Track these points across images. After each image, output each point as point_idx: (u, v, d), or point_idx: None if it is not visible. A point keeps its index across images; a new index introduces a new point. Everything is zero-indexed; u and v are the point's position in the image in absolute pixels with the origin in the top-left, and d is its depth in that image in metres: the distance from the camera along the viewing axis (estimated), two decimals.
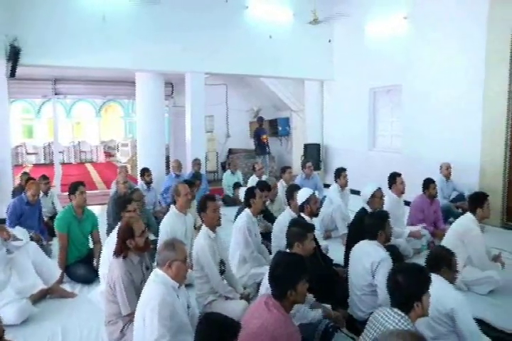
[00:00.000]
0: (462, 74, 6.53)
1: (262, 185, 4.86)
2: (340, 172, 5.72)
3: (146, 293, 2.40)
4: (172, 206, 4.25)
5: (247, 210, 3.92)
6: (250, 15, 8.21)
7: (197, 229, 5.05)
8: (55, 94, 10.13)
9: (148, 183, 6.55)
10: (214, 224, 3.28)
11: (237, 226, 3.79)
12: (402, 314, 2.01)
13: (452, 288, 2.52)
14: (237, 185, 7.44)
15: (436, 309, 2.36)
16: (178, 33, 7.38)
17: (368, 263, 2.96)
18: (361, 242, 3.18)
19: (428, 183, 5.17)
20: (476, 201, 3.88)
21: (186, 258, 2.47)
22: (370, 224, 3.16)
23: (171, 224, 3.99)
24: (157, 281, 2.38)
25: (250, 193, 3.93)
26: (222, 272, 3.23)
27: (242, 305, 2.99)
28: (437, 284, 2.37)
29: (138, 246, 2.87)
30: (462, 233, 3.77)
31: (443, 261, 2.60)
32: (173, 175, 7.07)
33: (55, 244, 4.53)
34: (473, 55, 6.33)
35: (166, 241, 2.53)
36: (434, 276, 2.42)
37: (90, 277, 4.04)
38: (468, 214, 3.88)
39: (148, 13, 7.15)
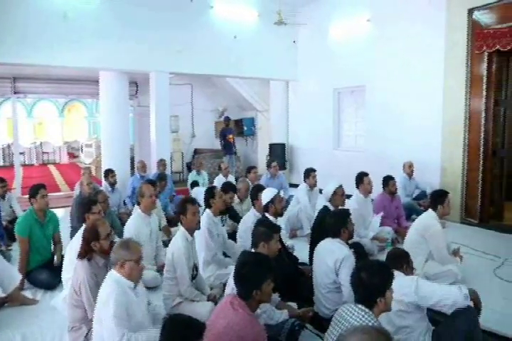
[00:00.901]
0: (423, 76, 6.73)
1: (226, 186, 4.86)
2: (309, 173, 5.77)
3: (101, 294, 2.38)
4: (136, 207, 4.18)
5: (207, 211, 3.90)
6: (215, 15, 8.17)
7: (162, 230, 5.02)
8: (15, 93, 9.71)
9: (113, 184, 6.42)
10: (193, 228, 3.24)
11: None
12: (366, 310, 2.04)
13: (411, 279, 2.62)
14: (194, 184, 7.35)
15: (399, 301, 2.44)
16: (142, 32, 7.23)
17: (331, 261, 3.00)
18: (324, 240, 3.22)
19: (387, 180, 5.30)
20: (437, 198, 3.99)
21: (141, 258, 2.44)
22: (332, 222, 3.21)
23: (136, 226, 3.93)
24: (110, 281, 2.37)
25: (210, 193, 3.92)
26: (194, 277, 3.19)
27: (208, 306, 2.97)
28: (399, 279, 2.48)
29: (103, 249, 2.83)
30: (424, 229, 3.88)
31: (403, 260, 2.71)
32: (138, 176, 6.94)
33: (16, 250, 4.33)
34: (433, 58, 6.54)
35: (121, 241, 2.51)
36: (396, 272, 2.51)
37: (53, 282, 3.88)
38: (430, 211, 4.00)
39: (112, 11, 6.98)
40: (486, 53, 5.85)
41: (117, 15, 7.04)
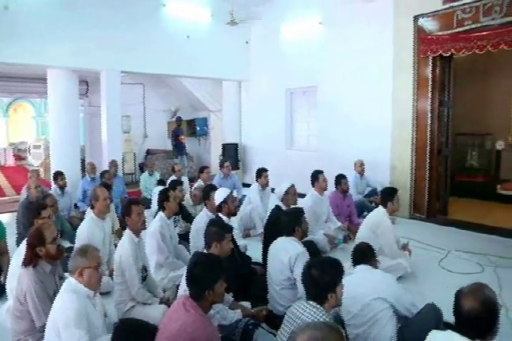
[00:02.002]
0: (373, 78, 6.96)
1: (173, 183, 4.83)
2: (261, 172, 5.81)
3: (59, 304, 2.25)
4: (89, 211, 4.04)
5: (161, 213, 3.85)
6: (168, 13, 8.05)
7: (115, 233, 4.89)
8: None
9: (62, 187, 6.17)
10: (139, 228, 3.21)
11: (149, 232, 3.71)
12: (318, 306, 2.08)
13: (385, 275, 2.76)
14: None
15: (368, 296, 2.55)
16: (92, 28, 6.98)
17: (285, 258, 3.04)
18: (279, 239, 3.26)
19: (340, 179, 5.46)
20: (387, 195, 4.16)
21: (100, 264, 2.37)
22: (286, 220, 3.26)
23: (89, 230, 3.80)
24: (69, 291, 2.25)
25: (164, 196, 3.87)
26: (143, 278, 3.13)
27: (161, 309, 2.92)
28: (374, 275, 2.69)
29: (49, 254, 2.69)
30: (375, 225, 4.03)
31: (369, 253, 2.86)
32: (88, 179, 6.72)
33: None
34: (382, 61, 6.77)
35: (79, 248, 2.42)
36: (365, 267, 2.73)
37: None
38: (380, 208, 4.16)
39: (61, 6, 6.68)
40: (430, 57, 6.15)
41: (66, 11, 6.75)
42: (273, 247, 3.26)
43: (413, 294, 3.48)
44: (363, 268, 2.76)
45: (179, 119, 10.23)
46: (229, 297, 2.85)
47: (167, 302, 3.13)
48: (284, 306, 2.98)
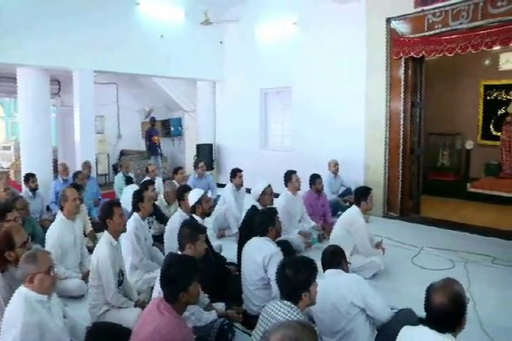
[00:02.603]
0: (347, 78, 7.04)
1: (145, 183, 4.78)
2: (235, 173, 5.79)
3: (6, 316, 2.16)
4: (59, 212, 3.95)
5: (135, 214, 3.81)
6: (141, 12, 7.92)
7: (87, 235, 4.80)
8: None
9: (34, 189, 5.99)
10: (120, 231, 3.16)
11: (124, 233, 3.66)
12: (292, 305, 2.10)
13: (355, 278, 2.67)
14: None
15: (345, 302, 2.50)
16: (65, 26, 6.80)
17: (259, 258, 3.06)
18: (253, 239, 3.28)
19: (314, 179, 5.52)
20: (361, 195, 4.23)
21: (52, 267, 2.28)
22: (259, 220, 3.28)
23: (59, 232, 3.73)
24: (17, 300, 2.16)
25: (138, 197, 3.83)
26: (120, 283, 3.08)
27: (136, 312, 2.88)
28: (344, 279, 2.61)
29: (19, 259, 2.59)
30: (349, 224, 4.09)
31: (341, 256, 2.78)
32: (60, 180, 6.56)
33: None
34: (356, 62, 6.85)
35: (27, 253, 2.31)
36: (334, 271, 2.65)
37: None
38: (354, 207, 4.22)
39: (33, 5, 6.48)
40: (402, 59, 6.28)
41: (37, 8, 6.54)
42: (247, 247, 3.28)
43: (387, 291, 3.57)
44: (332, 273, 2.67)
45: (153, 120, 10.13)
46: (205, 298, 2.84)
47: (142, 305, 3.08)
48: (259, 306, 3.00)
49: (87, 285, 3.24)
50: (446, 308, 1.80)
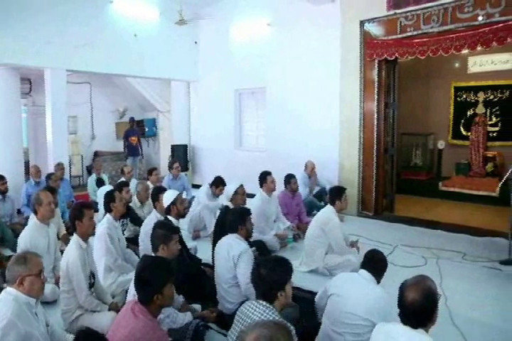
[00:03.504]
0: (321, 79, 7.11)
1: (119, 185, 4.71)
2: (218, 184, 5.52)
3: None
4: (32, 216, 3.85)
5: (107, 215, 3.75)
6: (115, 10, 7.79)
7: (61, 239, 4.69)
8: None
9: (4, 193, 5.81)
10: (89, 233, 3.11)
11: (97, 234, 3.60)
12: (267, 305, 2.10)
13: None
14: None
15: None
16: (36, 24, 6.63)
17: (230, 256, 3.07)
18: (224, 237, 3.30)
19: (289, 179, 5.55)
20: (335, 194, 4.27)
21: (42, 271, 2.25)
22: (231, 219, 3.30)
23: (32, 237, 3.63)
24: (6, 300, 2.12)
25: (110, 197, 3.77)
26: (91, 285, 3.02)
27: (110, 316, 2.84)
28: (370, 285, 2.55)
29: None
30: (323, 223, 4.13)
31: (381, 265, 2.73)
32: (32, 182, 6.39)
33: None
34: (330, 63, 6.92)
35: (17, 255, 2.27)
36: (368, 275, 2.59)
37: None
38: (329, 206, 4.27)
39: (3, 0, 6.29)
40: (376, 61, 6.39)
41: (5, 4, 6.35)
42: (218, 246, 3.29)
43: None
44: (366, 276, 2.61)
45: (132, 120, 10.01)
46: (180, 299, 2.82)
47: (116, 308, 3.04)
48: (233, 303, 3.00)
49: (60, 290, 3.16)
50: (419, 305, 1.85)
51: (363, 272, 2.62)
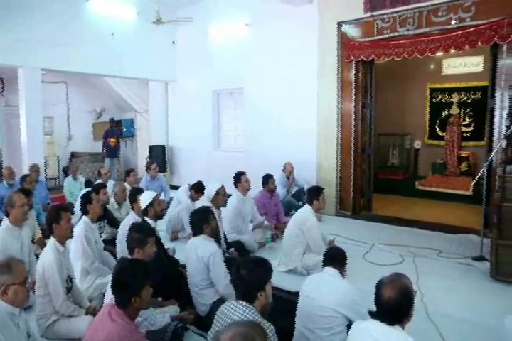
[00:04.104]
0: (299, 80, 7.16)
1: (96, 187, 4.66)
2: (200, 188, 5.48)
3: None
4: (5, 219, 3.74)
5: (84, 217, 3.69)
6: (91, 9, 7.67)
7: (36, 242, 4.58)
8: None
9: None
10: (66, 236, 3.05)
11: (73, 235, 3.53)
12: (247, 305, 2.11)
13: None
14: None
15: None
16: (10, 22, 6.46)
17: (198, 257, 3.07)
18: (191, 239, 3.29)
19: (267, 179, 5.58)
20: (313, 194, 4.30)
21: (26, 279, 2.17)
22: (195, 220, 3.30)
23: (3, 240, 3.53)
24: None
25: (86, 199, 3.72)
26: (69, 290, 2.96)
27: (87, 320, 2.77)
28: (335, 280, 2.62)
29: None
30: (301, 223, 4.16)
31: (341, 259, 2.80)
32: (5, 185, 6.22)
33: None
34: (308, 64, 6.98)
35: (0, 262, 2.17)
36: (333, 271, 2.65)
37: None
38: (307, 206, 4.30)
39: None
40: (353, 62, 6.47)
41: None
42: (188, 248, 3.27)
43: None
44: (331, 272, 2.68)
45: (112, 120, 9.89)
46: (157, 301, 2.79)
47: (93, 312, 2.98)
48: (206, 305, 3.00)
49: (35, 295, 3.08)
50: (395, 302, 1.88)
51: (327, 269, 2.71)
